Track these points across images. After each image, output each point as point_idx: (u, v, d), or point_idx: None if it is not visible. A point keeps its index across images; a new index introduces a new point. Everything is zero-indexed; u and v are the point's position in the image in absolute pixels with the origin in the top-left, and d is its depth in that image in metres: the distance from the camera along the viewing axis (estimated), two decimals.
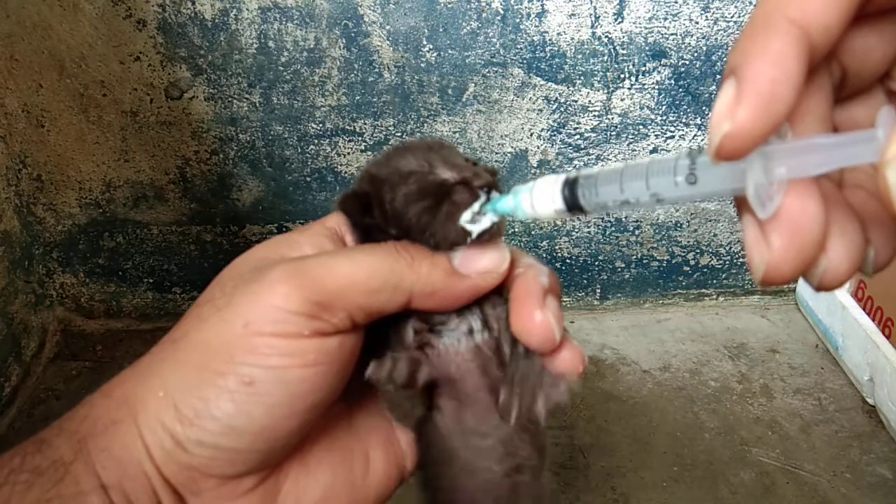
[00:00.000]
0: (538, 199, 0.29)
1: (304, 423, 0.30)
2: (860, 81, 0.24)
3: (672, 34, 0.86)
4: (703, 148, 0.24)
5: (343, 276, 0.29)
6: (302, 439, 0.31)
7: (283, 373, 0.28)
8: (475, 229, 0.30)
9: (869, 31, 0.23)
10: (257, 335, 0.28)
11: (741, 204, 0.23)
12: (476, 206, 0.30)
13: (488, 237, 0.31)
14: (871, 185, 0.23)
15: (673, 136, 0.92)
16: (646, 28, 0.85)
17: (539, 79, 0.88)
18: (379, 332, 0.32)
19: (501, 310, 0.33)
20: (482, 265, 0.31)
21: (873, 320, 0.86)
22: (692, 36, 0.86)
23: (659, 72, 0.88)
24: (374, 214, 0.32)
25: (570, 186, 0.28)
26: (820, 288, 0.22)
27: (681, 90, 0.89)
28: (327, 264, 0.29)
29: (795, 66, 0.20)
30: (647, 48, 0.87)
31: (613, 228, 0.99)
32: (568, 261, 1.01)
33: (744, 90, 0.20)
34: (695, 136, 0.92)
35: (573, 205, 0.28)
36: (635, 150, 0.93)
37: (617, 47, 0.86)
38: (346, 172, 0.93)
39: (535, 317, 0.31)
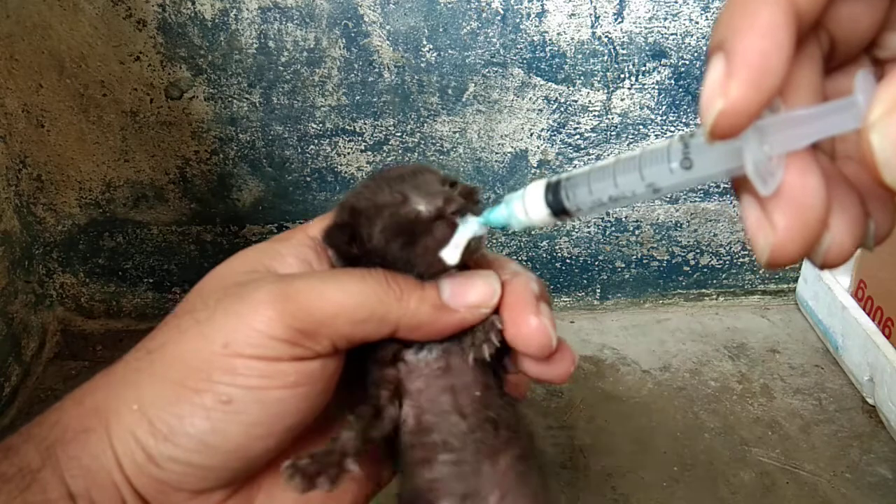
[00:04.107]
0: (531, 205, 0.28)
1: (280, 443, 0.30)
2: (848, 50, 0.23)
3: (672, 34, 0.86)
4: (694, 131, 0.24)
5: (331, 304, 0.28)
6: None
7: (262, 393, 0.28)
8: (452, 258, 0.29)
9: None
10: (237, 356, 0.27)
11: (739, 185, 0.22)
12: (456, 238, 0.29)
13: (468, 255, 0.30)
14: (860, 154, 0.23)
15: (673, 136, 0.92)
16: (646, 28, 0.85)
17: (539, 79, 0.88)
18: (361, 348, 0.32)
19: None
20: (472, 300, 0.30)
21: (873, 320, 0.86)
22: (692, 36, 0.86)
23: (659, 72, 0.88)
24: (358, 246, 0.31)
25: (553, 190, 0.27)
26: (824, 266, 0.22)
27: (681, 90, 0.89)
28: (316, 290, 0.29)
29: (785, 37, 0.19)
30: (647, 48, 0.87)
31: (613, 228, 0.99)
32: (568, 261, 1.01)
33: (734, 64, 0.19)
34: None
35: (559, 209, 0.27)
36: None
37: (617, 47, 0.86)
38: (346, 172, 0.93)
39: (531, 323, 0.30)
